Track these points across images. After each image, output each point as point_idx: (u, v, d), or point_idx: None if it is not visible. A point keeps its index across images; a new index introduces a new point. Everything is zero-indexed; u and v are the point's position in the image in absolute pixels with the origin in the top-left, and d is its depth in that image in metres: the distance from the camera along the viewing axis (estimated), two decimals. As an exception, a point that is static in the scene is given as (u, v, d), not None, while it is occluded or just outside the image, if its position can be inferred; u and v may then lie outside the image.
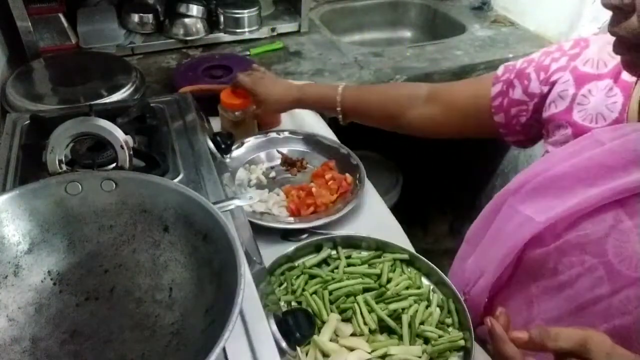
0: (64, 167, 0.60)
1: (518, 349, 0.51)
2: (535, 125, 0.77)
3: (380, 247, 0.83)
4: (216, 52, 1.38)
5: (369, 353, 0.68)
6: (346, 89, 0.94)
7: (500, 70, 0.80)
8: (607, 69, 0.67)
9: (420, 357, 0.68)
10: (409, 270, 0.80)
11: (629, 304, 0.56)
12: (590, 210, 0.60)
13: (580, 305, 0.60)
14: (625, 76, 0.65)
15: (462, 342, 0.71)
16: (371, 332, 0.71)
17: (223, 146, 0.78)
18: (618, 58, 0.61)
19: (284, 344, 0.50)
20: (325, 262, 0.81)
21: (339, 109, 0.93)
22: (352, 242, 0.84)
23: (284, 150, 1.05)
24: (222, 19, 1.42)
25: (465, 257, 0.78)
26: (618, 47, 0.57)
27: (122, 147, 0.61)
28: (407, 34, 1.81)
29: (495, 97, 0.79)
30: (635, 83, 0.64)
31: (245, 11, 1.41)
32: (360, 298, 0.73)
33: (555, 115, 0.70)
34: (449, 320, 0.74)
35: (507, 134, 0.80)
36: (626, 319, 0.56)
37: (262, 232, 0.85)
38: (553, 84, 0.72)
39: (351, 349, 0.68)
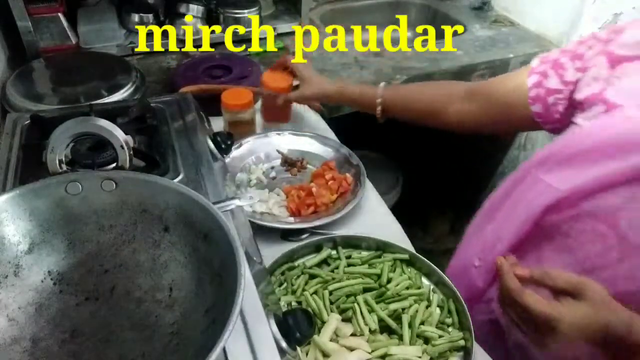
0: (64, 167, 0.60)
1: (520, 284, 0.58)
2: (572, 112, 0.78)
3: (381, 247, 0.83)
4: (216, 52, 1.38)
5: (369, 353, 0.68)
6: (387, 88, 0.98)
7: (535, 62, 0.83)
8: None
9: (420, 357, 0.68)
10: (409, 270, 0.80)
11: (636, 271, 0.60)
12: (610, 183, 0.63)
13: (587, 269, 0.64)
14: None
15: (462, 342, 0.71)
16: (371, 332, 0.71)
17: (223, 146, 0.78)
18: None
19: (284, 344, 0.50)
20: (325, 262, 0.81)
21: (379, 107, 0.97)
22: (352, 242, 0.84)
23: (284, 150, 1.05)
24: (222, 19, 1.42)
25: (482, 226, 0.81)
26: None
27: (122, 147, 0.61)
28: (408, 34, 1.81)
29: (532, 88, 0.81)
30: None
31: (245, 11, 1.41)
32: (360, 298, 0.73)
33: (590, 96, 0.72)
34: (449, 320, 0.74)
35: (545, 122, 0.83)
36: (631, 285, 0.61)
37: (262, 232, 0.85)
38: (586, 69, 0.74)
39: (351, 349, 0.68)
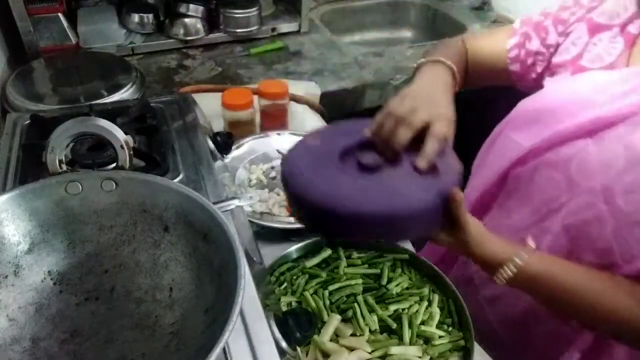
0: (64, 167, 0.60)
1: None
2: (547, 74, 0.85)
3: (381, 247, 0.83)
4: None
5: (369, 353, 0.68)
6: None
7: (517, 23, 0.87)
8: (619, 20, 0.74)
9: (420, 357, 0.68)
10: (409, 270, 0.80)
11: (578, 207, 0.69)
12: (568, 136, 0.71)
13: (543, 214, 0.73)
14: (631, 28, 0.72)
15: (462, 342, 0.71)
16: (371, 332, 0.71)
17: (223, 146, 0.78)
18: (630, 10, 0.69)
19: (284, 344, 0.50)
20: (325, 262, 0.81)
21: None
22: (352, 242, 0.84)
23: (284, 150, 1.04)
24: (222, 19, 1.42)
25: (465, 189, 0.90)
26: None
27: (122, 147, 0.61)
28: (407, 34, 1.81)
29: (512, 49, 0.86)
30: (639, 34, 0.72)
31: (245, 11, 1.41)
32: (360, 298, 0.73)
33: (567, 61, 0.78)
34: (449, 320, 0.74)
35: (519, 80, 0.89)
36: (574, 219, 0.70)
37: (262, 232, 0.85)
38: (569, 34, 0.79)
39: (351, 349, 0.68)
